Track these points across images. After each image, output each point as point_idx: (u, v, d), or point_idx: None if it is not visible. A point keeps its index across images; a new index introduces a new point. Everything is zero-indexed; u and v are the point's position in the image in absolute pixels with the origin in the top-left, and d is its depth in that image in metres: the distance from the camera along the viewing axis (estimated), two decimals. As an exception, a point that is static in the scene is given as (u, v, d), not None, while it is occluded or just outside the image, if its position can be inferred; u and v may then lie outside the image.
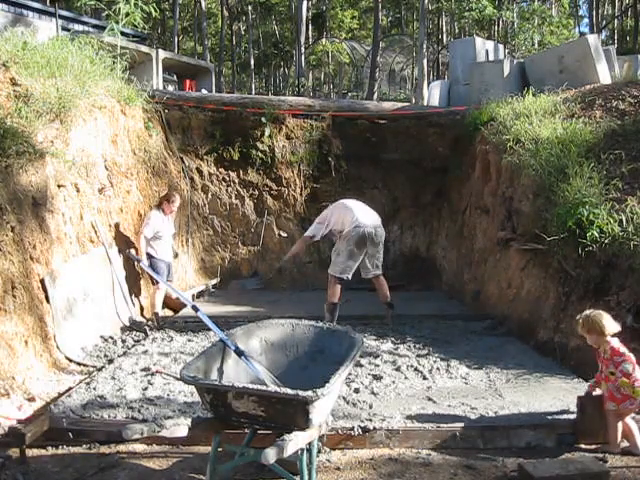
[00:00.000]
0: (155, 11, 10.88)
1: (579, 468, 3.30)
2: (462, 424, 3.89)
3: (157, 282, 6.92)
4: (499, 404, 4.25)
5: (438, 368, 5.09)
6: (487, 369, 5.09)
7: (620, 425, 3.73)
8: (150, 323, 6.81)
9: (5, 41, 6.49)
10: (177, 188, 9.21)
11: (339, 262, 6.60)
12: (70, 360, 5.22)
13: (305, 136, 10.06)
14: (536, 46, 20.16)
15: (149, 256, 6.97)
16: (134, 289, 7.20)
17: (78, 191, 6.25)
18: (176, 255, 7.93)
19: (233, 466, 3.21)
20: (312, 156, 10.07)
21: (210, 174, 9.84)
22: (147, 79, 9.79)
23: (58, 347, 5.20)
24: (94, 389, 4.43)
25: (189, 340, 6.12)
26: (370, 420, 3.89)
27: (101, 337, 5.97)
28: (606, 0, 31.18)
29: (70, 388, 4.56)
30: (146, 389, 4.48)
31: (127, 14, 8.77)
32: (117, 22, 8.70)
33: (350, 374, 4.65)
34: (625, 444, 3.77)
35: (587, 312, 3.87)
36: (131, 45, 10.64)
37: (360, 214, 6.55)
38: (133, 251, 6.99)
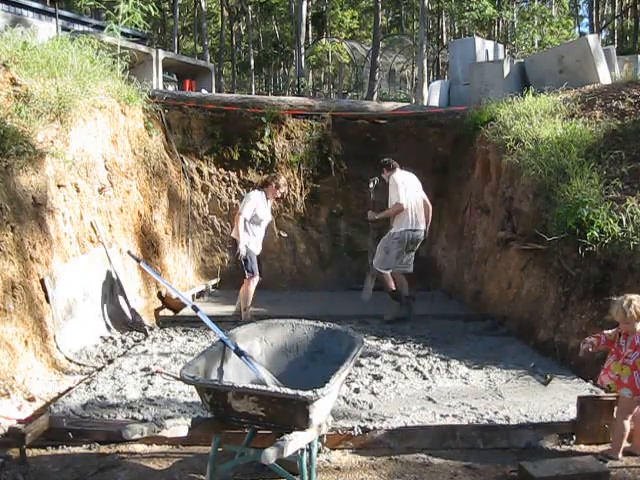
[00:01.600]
0: (155, 10, 10.88)
1: (579, 468, 3.30)
2: (462, 424, 3.89)
3: (250, 276, 6.77)
4: (499, 404, 4.25)
5: (438, 368, 5.09)
6: (487, 369, 5.09)
7: (628, 426, 3.66)
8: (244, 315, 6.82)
9: (5, 41, 6.49)
10: (177, 188, 9.22)
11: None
12: (70, 360, 5.22)
13: (305, 136, 10.06)
14: (536, 46, 20.16)
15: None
16: (134, 289, 7.20)
17: (78, 191, 6.25)
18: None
19: (233, 466, 3.20)
20: (312, 156, 10.07)
21: (210, 174, 9.83)
22: (147, 79, 9.78)
23: (58, 347, 5.20)
24: (94, 389, 4.43)
25: (189, 340, 6.12)
26: (370, 420, 3.89)
27: (101, 337, 5.97)
28: (606, 0, 31.18)
29: (70, 388, 4.56)
30: (146, 389, 4.48)
31: (128, 14, 8.76)
32: (117, 22, 8.70)
33: (350, 374, 4.65)
34: (624, 444, 3.76)
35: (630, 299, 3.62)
36: (131, 45, 10.63)
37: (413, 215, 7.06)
38: (133, 251, 6.99)
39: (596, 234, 5.31)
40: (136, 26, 9.57)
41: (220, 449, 3.11)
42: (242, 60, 33.35)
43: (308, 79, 28.68)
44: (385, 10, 31.78)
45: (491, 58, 11.69)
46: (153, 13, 10.51)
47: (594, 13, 25.15)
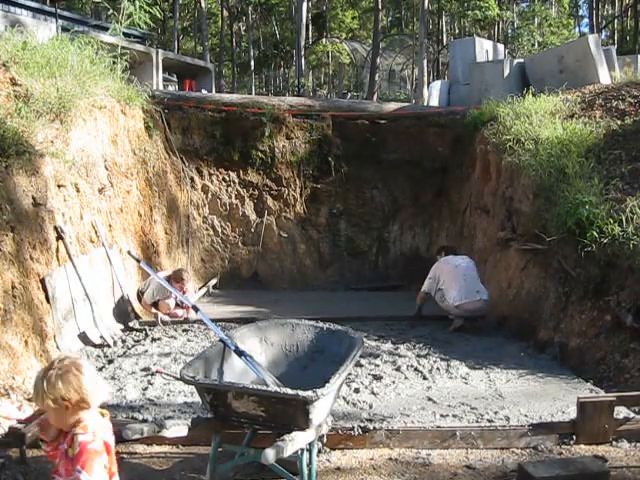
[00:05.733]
0: (159, 13, 10.88)
1: (579, 468, 3.30)
2: (462, 424, 3.89)
3: None
4: (499, 404, 4.25)
5: (438, 368, 5.09)
6: (487, 369, 5.09)
7: None
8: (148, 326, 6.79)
9: (5, 41, 6.49)
10: (177, 188, 9.22)
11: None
12: (70, 360, 5.20)
13: (305, 136, 10.06)
14: (536, 46, 20.17)
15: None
16: (134, 289, 7.20)
17: (78, 191, 6.25)
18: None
19: (233, 466, 3.21)
20: (312, 156, 10.07)
21: (210, 174, 9.83)
22: (147, 79, 9.78)
23: (58, 347, 5.20)
24: (94, 389, 4.42)
25: (189, 340, 6.12)
26: (370, 420, 3.89)
27: (101, 337, 5.97)
28: (606, 0, 31.19)
29: (70, 388, 4.55)
30: (146, 389, 4.48)
31: (131, 14, 8.74)
32: (118, 22, 8.68)
33: (350, 374, 4.64)
34: (624, 444, 3.76)
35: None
36: (131, 45, 10.63)
37: (463, 291, 6.47)
38: (133, 251, 6.99)
39: (596, 234, 5.31)
40: (140, 27, 9.56)
41: (220, 449, 3.11)
42: (242, 60, 33.36)
43: (308, 79, 28.71)
44: (385, 10, 31.77)
45: (491, 58, 11.70)
46: (158, 15, 10.51)
47: (594, 13, 25.14)
